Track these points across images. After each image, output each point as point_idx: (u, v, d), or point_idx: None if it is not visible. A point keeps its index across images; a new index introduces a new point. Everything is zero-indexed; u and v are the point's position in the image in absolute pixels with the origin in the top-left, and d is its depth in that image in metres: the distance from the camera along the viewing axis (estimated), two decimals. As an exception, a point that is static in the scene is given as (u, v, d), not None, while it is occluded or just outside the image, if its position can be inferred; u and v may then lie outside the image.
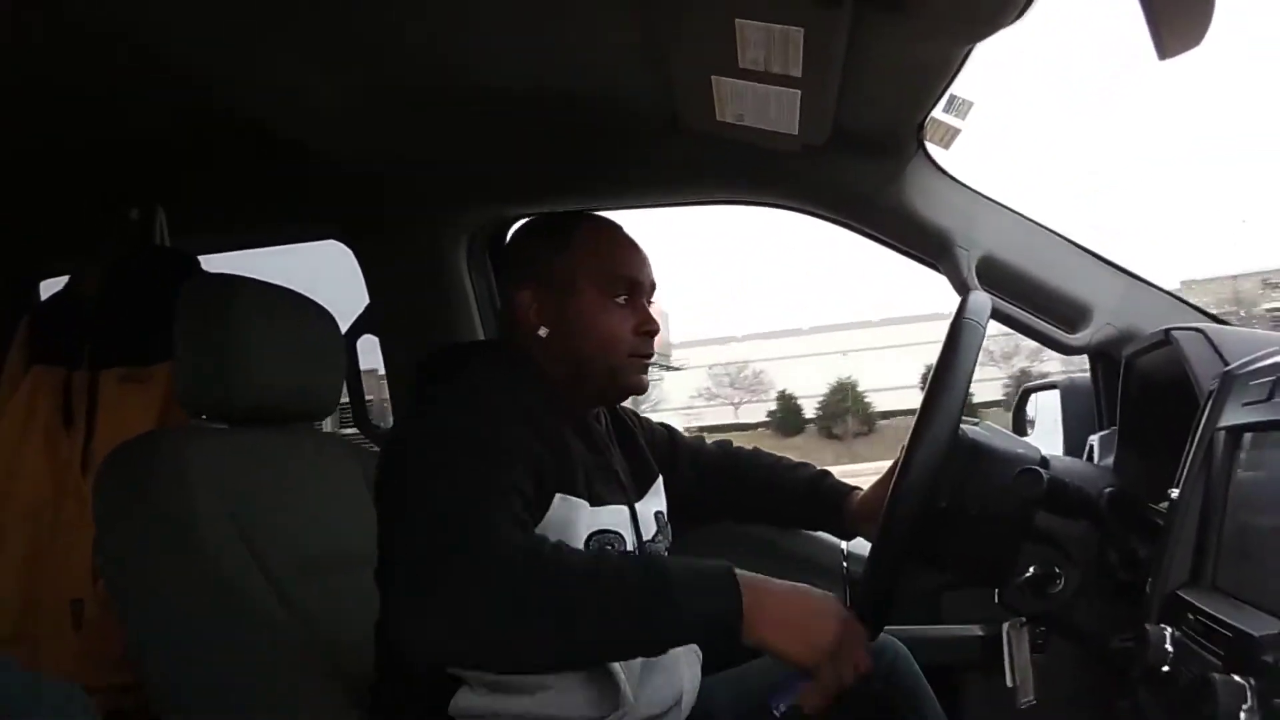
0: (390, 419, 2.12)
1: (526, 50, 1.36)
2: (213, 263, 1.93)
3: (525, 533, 1.02)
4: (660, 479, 1.39)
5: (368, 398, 2.16)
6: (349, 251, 2.03)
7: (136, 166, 1.75)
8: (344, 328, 1.80)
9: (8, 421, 1.74)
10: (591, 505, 1.16)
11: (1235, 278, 28.83)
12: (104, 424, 1.72)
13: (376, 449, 1.92)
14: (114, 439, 1.39)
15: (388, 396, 2.17)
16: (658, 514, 1.34)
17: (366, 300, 2.03)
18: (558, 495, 1.13)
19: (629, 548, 1.21)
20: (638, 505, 1.28)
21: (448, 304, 1.96)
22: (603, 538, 1.17)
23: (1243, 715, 0.66)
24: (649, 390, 1.32)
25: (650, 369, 1.30)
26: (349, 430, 2.36)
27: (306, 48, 1.32)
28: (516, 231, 1.35)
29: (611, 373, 1.25)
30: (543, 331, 1.24)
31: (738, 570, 1.00)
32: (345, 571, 1.35)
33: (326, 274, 2.10)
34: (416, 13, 1.24)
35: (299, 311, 1.52)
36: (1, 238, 1.97)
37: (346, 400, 2.01)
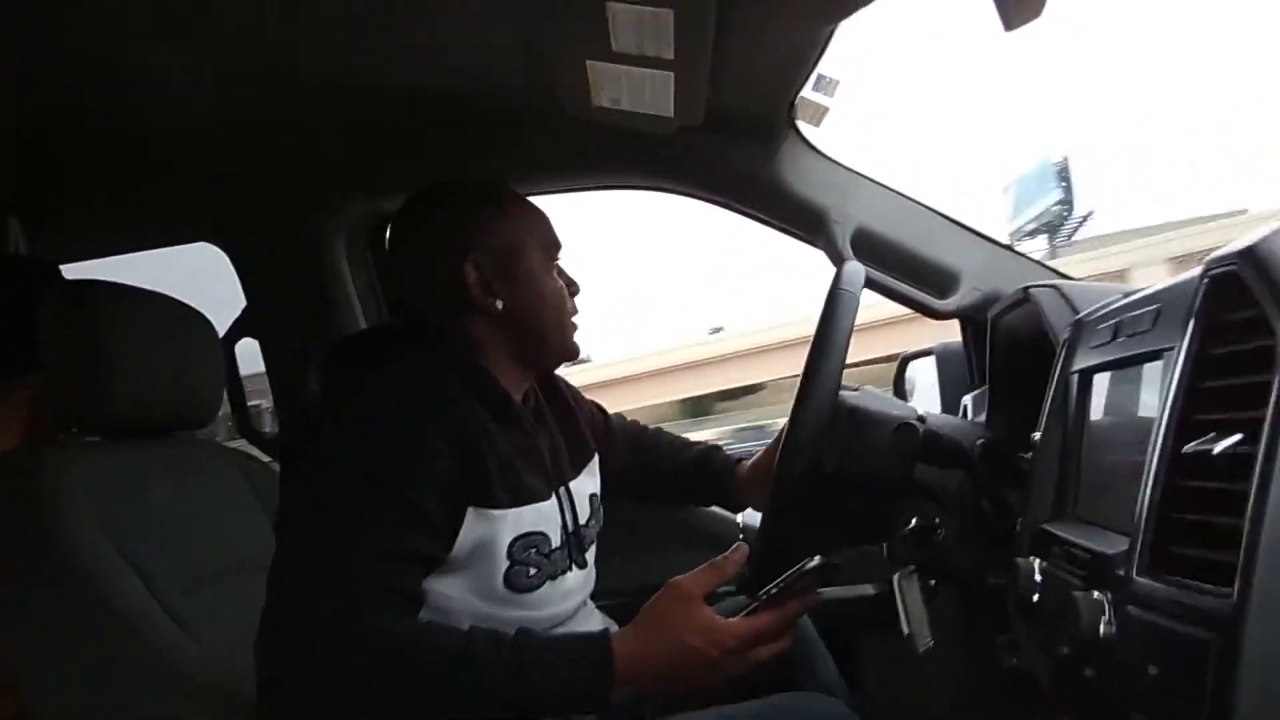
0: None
1: (399, 43, 1.34)
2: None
3: (398, 610, 1.01)
4: (596, 458, 1.38)
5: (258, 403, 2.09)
6: (221, 253, 1.96)
7: None
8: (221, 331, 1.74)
9: None
10: (514, 507, 1.13)
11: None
12: None
13: (261, 455, 1.87)
14: None
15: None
16: (592, 496, 1.33)
17: (243, 303, 1.97)
18: (471, 510, 1.09)
19: (555, 545, 1.19)
20: (573, 484, 1.27)
21: (330, 302, 1.92)
22: (527, 540, 1.15)
23: (1102, 627, 0.71)
24: None
25: None
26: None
27: (172, 42, 1.26)
28: (432, 206, 1.26)
29: (559, 334, 1.25)
30: (499, 304, 1.20)
31: (615, 636, 1.01)
32: (236, 584, 1.30)
33: (200, 277, 2.03)
34: (286, 8, 1.20)
35: (172, 316, 1.45)
36: None
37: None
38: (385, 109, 1.56)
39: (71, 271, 1.82)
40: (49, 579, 1.19)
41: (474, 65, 1.42)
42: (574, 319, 1.28)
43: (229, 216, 1.91)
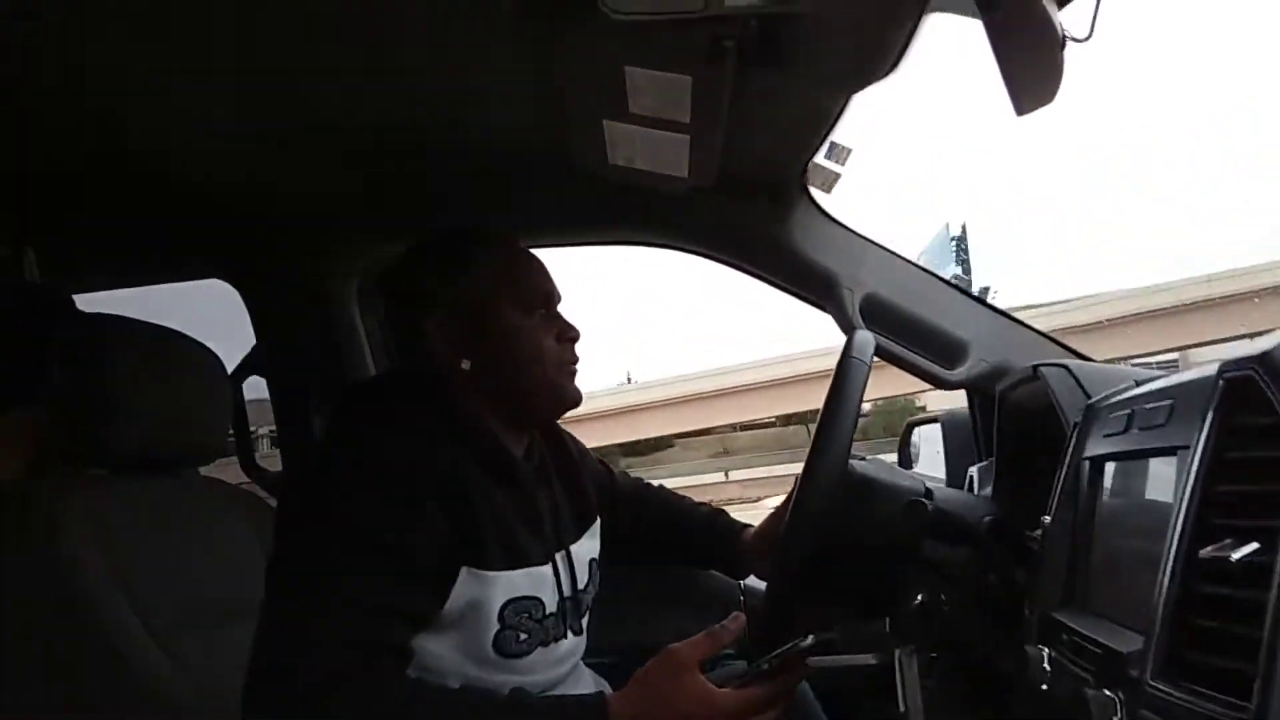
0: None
1: (420, 93, 1.35)
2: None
3: (387, 667, 1.00)
4: (599, 521, 1.34)
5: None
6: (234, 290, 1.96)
7: (7, 202, 1.64)
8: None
9: None
10: (507, 569, 1.11)
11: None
12: None
13: (264, 494, 1.86)
14: None
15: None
16: (592, 560, 1.30)
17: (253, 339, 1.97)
18: (464, 569, 1.08)
19: (549, 611, 1.17)
20: (573, 548, 1.25)
21: (338, 345, 1.92)
22: (519, 605, 1.12)
23: (1113, 728, 0.70)
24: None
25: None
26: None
27: (191, 84, 1.28)
28: (406, 261, 1.26)
29: (546, 389, 1.21)
30: (465, 364, 1.17)
31: (611, 701, 1.01)
32: (235, 626, 1.28)
33: (212, 312, 2.03)
34: (308, 56, 1.22)
35: (182, 352, 1.46)
36: None
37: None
38: (398, 157, 1.57)
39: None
40: (47, 612, 1.18)
41: (490, 119, 1.44)
42: (570, 368, 1.24)
43: (242, 255, 1.92)
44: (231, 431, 1.92)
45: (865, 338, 1.22)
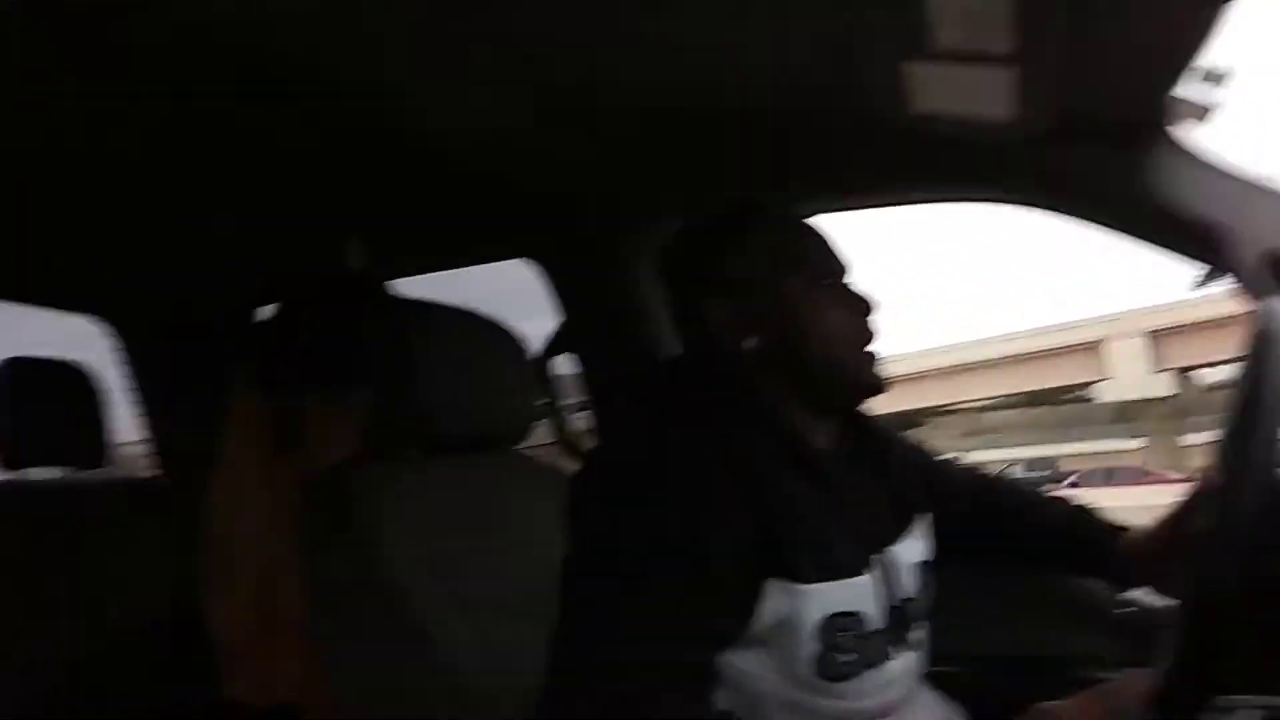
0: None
1: (707, 57, 1.26)
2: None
3: (688, 695, 0.90)
4: (924, 519, 1.18)
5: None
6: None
7: (337, 195, 1.78)
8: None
9: (231, 449, 1.83)
10: (821, 581, 0.98)
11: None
12: (312, 451, 1.78)
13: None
14: (320, 466, 1.42)
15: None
16: (919, 565, 1.13)
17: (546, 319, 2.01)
18: (772, 583, 0.96)
19: (873, 629, 1.02)
20: (895, 549, 1.09)
21: (643, 319, 1.90)
22: (837, 622, 0.98)
23: None
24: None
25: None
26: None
27: (484, 70, 1.29)
28: (679, 243, 1.19)
29: (841, 369, 1.08)
30: (751, 343, 1.07)
31: None
32: (548, 611, 1.30)
33: (507, 292, 2.10)
34: (595, 29, 1.17)
35: (488, 335, 1.50)
36: (225, 271, 2.11)
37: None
38: (693, 123, 1.48)
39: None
40: (362, 589, 1.24)
41: (783, 73, 1.30)
42: (867, 347, 1.10)
43: (545, 235, 1.96)
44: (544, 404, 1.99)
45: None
